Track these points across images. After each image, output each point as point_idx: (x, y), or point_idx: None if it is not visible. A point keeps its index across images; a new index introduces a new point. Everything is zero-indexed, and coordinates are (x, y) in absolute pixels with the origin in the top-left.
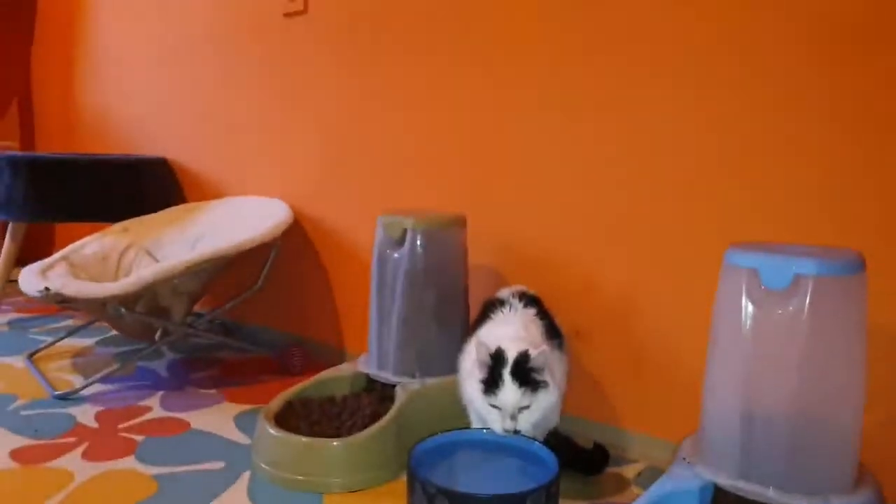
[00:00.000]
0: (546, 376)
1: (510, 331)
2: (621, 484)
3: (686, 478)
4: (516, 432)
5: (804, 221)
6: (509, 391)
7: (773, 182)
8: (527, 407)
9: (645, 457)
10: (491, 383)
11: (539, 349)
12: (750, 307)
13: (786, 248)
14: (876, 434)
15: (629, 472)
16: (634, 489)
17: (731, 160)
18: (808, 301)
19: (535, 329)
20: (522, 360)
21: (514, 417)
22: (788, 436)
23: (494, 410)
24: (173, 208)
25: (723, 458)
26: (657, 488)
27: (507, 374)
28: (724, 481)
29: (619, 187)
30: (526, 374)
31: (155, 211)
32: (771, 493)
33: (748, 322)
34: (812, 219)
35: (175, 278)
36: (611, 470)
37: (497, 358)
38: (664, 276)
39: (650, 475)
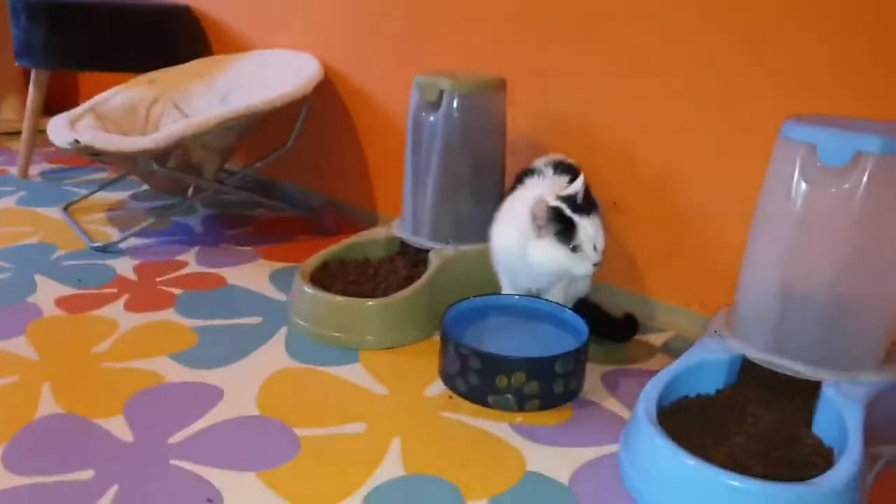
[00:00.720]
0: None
1: (538, 194)
2: (649, 351)
3: (716, 349)
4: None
5: (862, 95)
6: (585, 224)
7: (831, 50)
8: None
9: (673, 327)
10: (564, 231)
11: (577, 180)
12: (803, 184)
13: (847, 122)
14: None
15: (657, 340)
16: (662, 356)
17: (784, 26)
18: (865, 180)
19: None
20: (573, 197)
21: (596, 248)
22: (824, 314)
23: (576, 256)
24: (200, 60)
25: (755, 332)
26: (687, 357)
27: (572, 213)
28: (754, 354)
29: (665, 55)
30: (584, 206)
31: (180, 62)
32: (800, 367)
33: (799, 199)
34: (871, 92)
35: (206, 134)
36: (639, 338)
37: (555, 208)
38: (709, 150)
39: (678, 344)
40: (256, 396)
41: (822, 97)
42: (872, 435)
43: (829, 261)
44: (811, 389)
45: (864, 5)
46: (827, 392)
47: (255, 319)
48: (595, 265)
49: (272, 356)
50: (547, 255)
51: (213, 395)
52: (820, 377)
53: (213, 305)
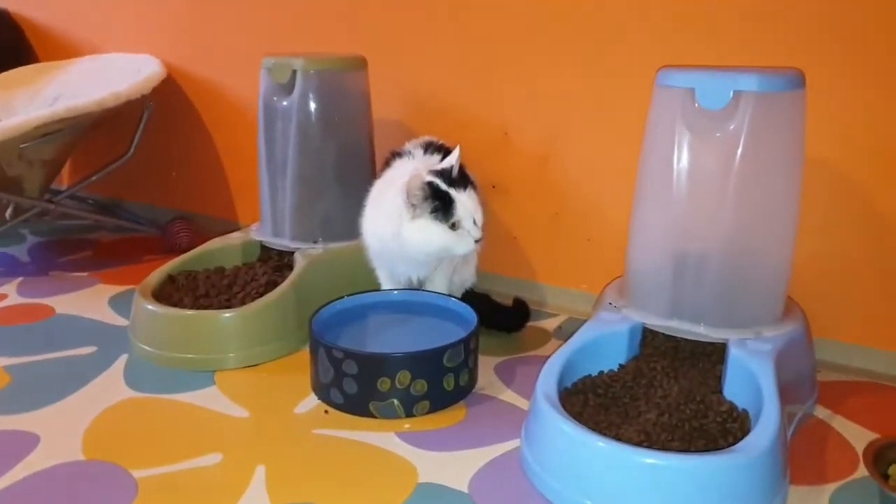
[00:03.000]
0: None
1: (410, 170)
2: (542, 337)
3: (613, 321)
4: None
5: (737, 44)
6: (462, 198)
7: (699, 9)
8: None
9: (564, 310)
10: (442, 208)
11: (452, 154)
12: (685, 133)
13: (721, 68)
14: (803, 265)
15: (549, 325)
16: (555, 342)
17: None
18: (747, 120)
19: None
20: (448, 171)
21: (476, 223)
22: (721, 270)
23: (455, 234)
24: (21, 68)
25: (651, 299)
26: (584, 333)
27: (447, 188)
28: (654, 321)
29: (532, 26)
30: (459, 180)
31: None
32: (702, 329)
33: (683, 150)
34: (746, 41)
35: (21, 141)
36: (531, 324)
37: (430, 185)
38: (587, 120)
39: (572, 326)
40: (83, 438)
41: (700, 44)
42: (783, 394)
43: (720, 211)
44: (717, 352)
45: None
46: (734, 352)
47: (89, 350)
48: (477, 241)
49: (107, 389)
50: (424, 235)
51: (25, 443)
52: (724, 337)
53: (34, 339)
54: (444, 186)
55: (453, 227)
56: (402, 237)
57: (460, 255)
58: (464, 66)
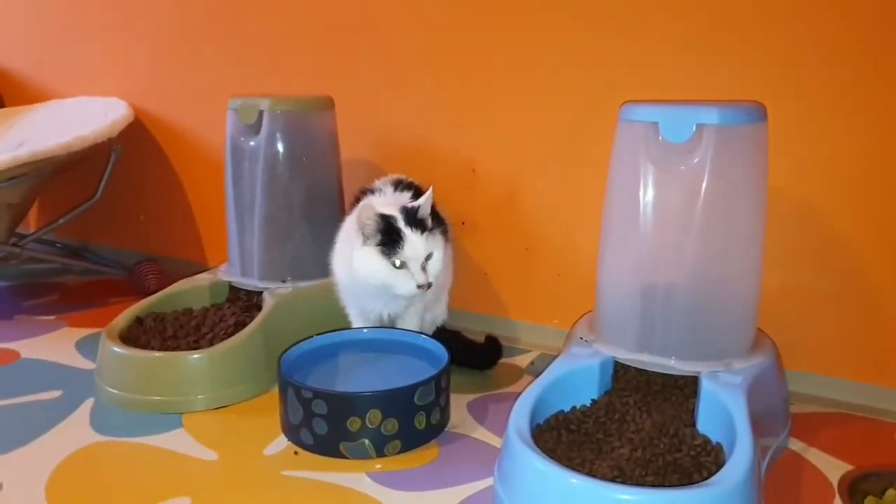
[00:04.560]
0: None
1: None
2: (515, 374)
3: (584, 355)
4: (429, 286)
5: (700, 78)
6: (414, 239)
7: (662, 40)
8: (429, 256)
9: (536, 346)
10: (390, 243)
11: (425, 194)
12: (649, 166)
13: (684, 101)
14: (773, 297)
15: (522, 361)
16: (528, 378)
17: (616, 18)
18: (711, 152)
19: None
20: (412, 210)
21: (424, 269)
22: (689, 302)
23: (400, 273)
24: None
25: (621, 332)
26: (555, 368)
27: (403, 225)
28: (625, 355)
29: (499, 61)
30: (421, 221)
31: None
32: (672, 362)
33: (648, 183)
34: (709, 75)
35: None
36: (504, 361)
37: (386, 217)
38: (554, 156)
39: (544, 362)
40: (46, 485)
41: (665, 80)
42: (756, 426)
43: (686, 243)
44: (690, 385)
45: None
46: (705, 384)
47: (54, 394)
48: (420, 287)
49: (72, 434)
50: (367, 265)
51: None
52: (695, 370)
53: None
54: (400, 224)
55: (401, 266)
56: (352, 263)
57: (402, 295)
58: (431, 104)
